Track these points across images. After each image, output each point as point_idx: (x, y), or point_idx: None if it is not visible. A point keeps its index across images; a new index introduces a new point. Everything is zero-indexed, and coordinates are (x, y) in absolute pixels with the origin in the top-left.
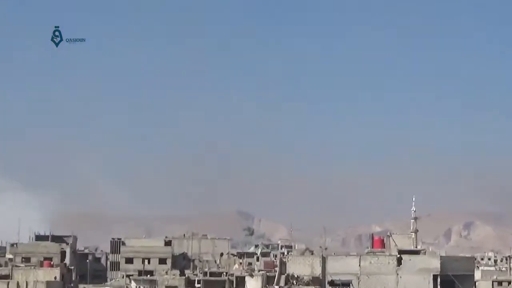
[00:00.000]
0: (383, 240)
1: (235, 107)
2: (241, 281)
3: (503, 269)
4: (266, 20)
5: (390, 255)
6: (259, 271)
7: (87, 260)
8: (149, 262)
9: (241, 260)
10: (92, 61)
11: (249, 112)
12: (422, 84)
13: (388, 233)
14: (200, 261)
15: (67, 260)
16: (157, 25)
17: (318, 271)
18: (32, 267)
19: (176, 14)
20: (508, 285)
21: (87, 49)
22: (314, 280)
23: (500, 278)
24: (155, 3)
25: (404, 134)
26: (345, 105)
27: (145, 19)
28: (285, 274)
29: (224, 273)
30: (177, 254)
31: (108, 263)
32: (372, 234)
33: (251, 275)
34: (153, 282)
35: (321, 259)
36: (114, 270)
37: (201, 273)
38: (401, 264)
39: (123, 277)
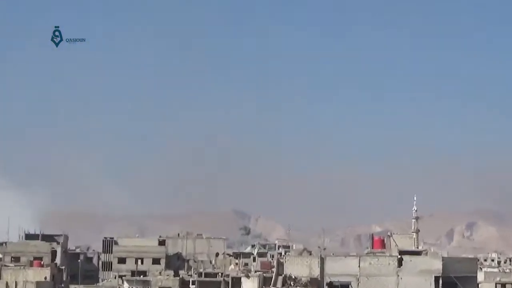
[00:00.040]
0: (383, 241)
1: (235, 106)
2: (237, 282)
3: (507, 270)
4: (266, 20)
5: (391, 255)
6: (255, 271)
7: (79, 260)
8: (142, 262)
9: (237, 261)
10: (92, 61)
11: (249, 112)
12: (422, 84)
13: (389, 233)
14: (195, 261)
15: (57, 260)
16: (157, 25)
17: (316, 272)
18: (22, 267)
19: (176, 14)
20: None
21: (87, 49)
22: (312, 281)
23: (504, 280)
24: (155, 3)
25: (404, 134)
26: (345, 105)
27: (145, 19)
28: (283, 275)
29: (220, 274)
30: (171, 254)
31: (100, 263)
32: (372, 234)
33: (247, 276)
34: (147, 283)
35: (319, 259)
36: (106, 270)
37: (196, 273)
38: (401, 265)
39: (115, 278)
